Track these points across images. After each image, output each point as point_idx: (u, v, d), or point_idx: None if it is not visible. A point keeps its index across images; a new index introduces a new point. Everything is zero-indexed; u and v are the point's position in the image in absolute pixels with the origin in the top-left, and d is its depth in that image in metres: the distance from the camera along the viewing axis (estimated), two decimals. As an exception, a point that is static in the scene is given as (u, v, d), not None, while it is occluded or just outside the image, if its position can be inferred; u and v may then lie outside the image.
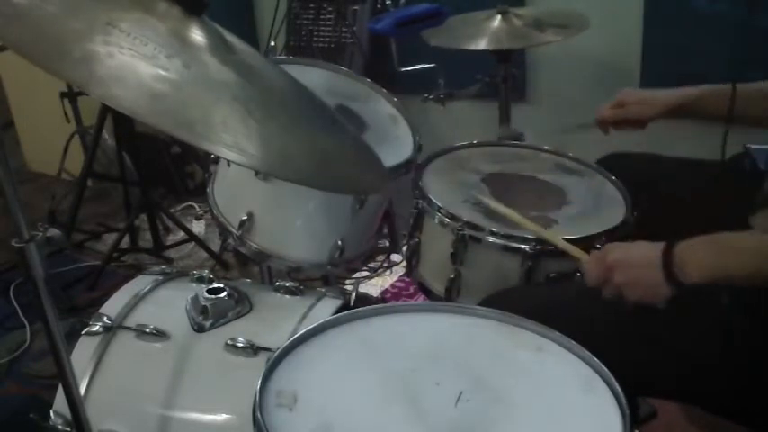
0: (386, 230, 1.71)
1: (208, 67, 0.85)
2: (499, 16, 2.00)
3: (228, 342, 1.13)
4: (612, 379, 0.86)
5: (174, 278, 1.34)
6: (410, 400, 0.84)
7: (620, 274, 1.05)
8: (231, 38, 0.96)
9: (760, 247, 0.98)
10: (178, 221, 2.75)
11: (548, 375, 0.90)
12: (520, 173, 1.50)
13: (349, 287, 1.97)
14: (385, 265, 1.99)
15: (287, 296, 1.27)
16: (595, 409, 0.83)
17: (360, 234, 1.50)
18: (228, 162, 1.44)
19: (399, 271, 2.33)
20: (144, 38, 0.79)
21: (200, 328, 1.18)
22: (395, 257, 1.95)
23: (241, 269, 2.18)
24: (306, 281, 1.52)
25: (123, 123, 2.57)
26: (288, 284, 1.28)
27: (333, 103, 1.54)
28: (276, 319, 1.21)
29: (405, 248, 1.49)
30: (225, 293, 1.20)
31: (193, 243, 2.72)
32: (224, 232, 1.46)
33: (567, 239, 1.20)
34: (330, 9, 2.65)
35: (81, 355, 1.15)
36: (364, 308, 1.01)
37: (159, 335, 1.17)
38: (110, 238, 2.76)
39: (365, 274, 2.00)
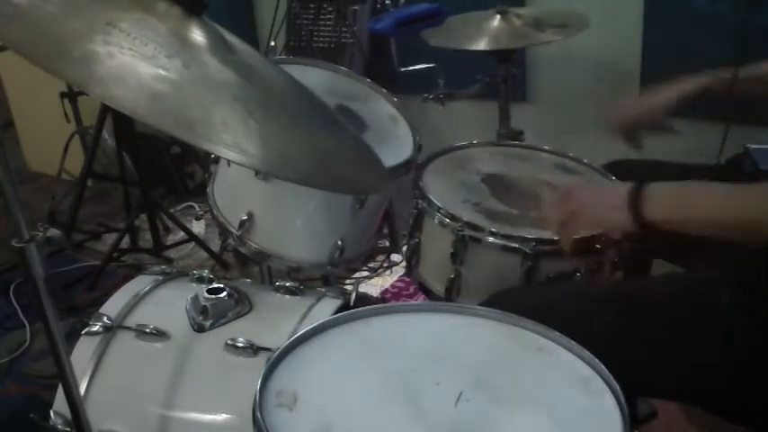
0: (386, 230, 1.71)
1: (208, 67, 0.86)
2: (499, 16, 2.00)
3: (228, 342, 1.13)
4: (612, 379, 0.86)
5: (174, 278, 1.34)
6: (410, 400, 0.84)
7: (580, 194, 1.10)
8: (231, 38, 0.96)
9: (729, 194, 1.00)
10: (178, 221, 2.75)
11: (548, 375, 0.89)
12: (520, 173, 1.50)
13: (349, 287, 1.97)
14: (385, 265, 1.99)
15: (287, 296, 1.27)
16: (595, 409, 0.83)
17: (360, 234, 1.50)
18: (228, 162, 1.44)
19: (399, 271, 2.33)
20: (144, 38, 0.79)
21: (200, 328, 1.18)
22: (395, 257, 1.95)
23: (241, 269, 2.18)
24: (306, 281, 1.52)
25: (123, 123, 2.57)
26: (288, 284, 1.28)
27: (333, 103, 1.54)
28: (276, 319, 1.21)
29: (405, 248, 1.49)
30: (225, 293, 1.20)
31: (193, 243, 2.72)
32: (224, 232, 1.46)
33: None
34: (330, 9, 2.65)
35: (81, 355, 1.15)
36: (364, 308, 1.01)
37: (159, 335, 1.17)
38: (110, 238, 2.76)
39: (365, 274, 2.00)
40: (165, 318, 1.20)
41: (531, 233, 1.25)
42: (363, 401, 0.84)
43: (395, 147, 1.51)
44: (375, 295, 2.31)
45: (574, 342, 0.92)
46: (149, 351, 1.17)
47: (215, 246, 2.65)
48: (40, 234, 0.86)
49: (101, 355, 1.16)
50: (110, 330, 1.19)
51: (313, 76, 1.60)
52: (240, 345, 1.12)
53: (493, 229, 1.27)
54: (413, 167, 1.47)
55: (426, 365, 0.90)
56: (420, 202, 1.38)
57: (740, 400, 1.03)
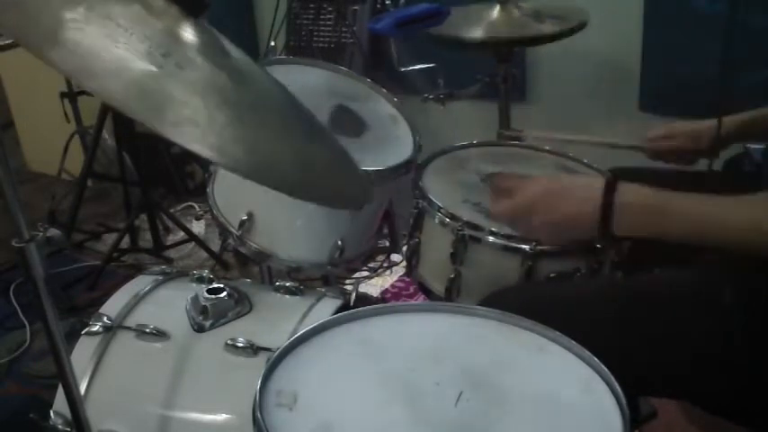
0: (386, 230, 1.71)
1: (201, 69, 0.85)
2: (498, 6, 2.01)
3: (228, 342, 1.13)
4: (612, 379, 0.86)
5: (174, 278, 1.34)
6: (410, 400, 0.84)
7: (540, 205, 1.05)
8: (227, 43, 0.96)
9: (708, 214, 0.97)
10: (178, 221, 2.75)
11: (548, 375, 0.89)
12: (520, 173, 1.49)
13: (349, 287, 1.97)
14: (385, 265, 1.99)
15: (287, 296, 1.27)
16: (595, 409, 0.83)
17: (360, 234, 1.50)
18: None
19: (399, 271, 2.33)
20: (140, 35, 0.79)
21: (200, 328, 1.18)
22: (395, 257, 1.95)
23: (241, 269, 2.18)
24: (306, 281, 1.52)
25: (123, 123, 2.57)
26: (288, 284, 1.28)
27: (333, 103, 1.54)
28: (276, 319, 1.21)
29: (405, 248, 1.49)
30: (225, 293, 1.20)
31: (193, 243, 2.72)
32: (224, 232, 1.46)
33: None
34: (330, 9, 2.65)
35: (81, 355, 1.15)
36: (364, 308, 1.01)
37: (159, 335, 1.17)
38: (110, 238, 2.76)
39: (365, 274, 2.00)
40: (165, 318, 1.20)
41: None
42: (363, 401, 0.84)
43: (395, 147, 1.50)
44: (375, 295, 2.31)
45: (574, 342, 0.92)
46: (149, 351, 1.17)
47: (215, 246, 2.65)
48: (40, 234, 0.86)
49: (101, 355, 1.16)
50: (110, 330, 1.19)
51: (313, 76, 1.60)
52: (240, 345, 1.12)
53: (493, 229, 1.26)
54: (413, 167, 1.46)
55: (426, 365, 0.90)
56: (420, 201, 1.38)
57: (741, 399, 1.03)
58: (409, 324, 0.99)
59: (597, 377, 0.88)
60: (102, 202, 3.11)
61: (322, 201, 1.19)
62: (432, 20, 1.78)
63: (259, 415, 0.80)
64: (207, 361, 1.15)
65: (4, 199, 0.83)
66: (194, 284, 1.30)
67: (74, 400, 0.96)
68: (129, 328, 1.19)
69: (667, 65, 2.24)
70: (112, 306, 1.23)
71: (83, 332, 1.19)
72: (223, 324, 1.19)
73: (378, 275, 2.18)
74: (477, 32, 1.94)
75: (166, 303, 1.26)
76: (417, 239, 1.41)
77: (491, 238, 1.26)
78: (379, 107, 1.62)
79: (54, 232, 0.87)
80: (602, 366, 0.88)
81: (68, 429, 1.13)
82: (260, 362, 1.01)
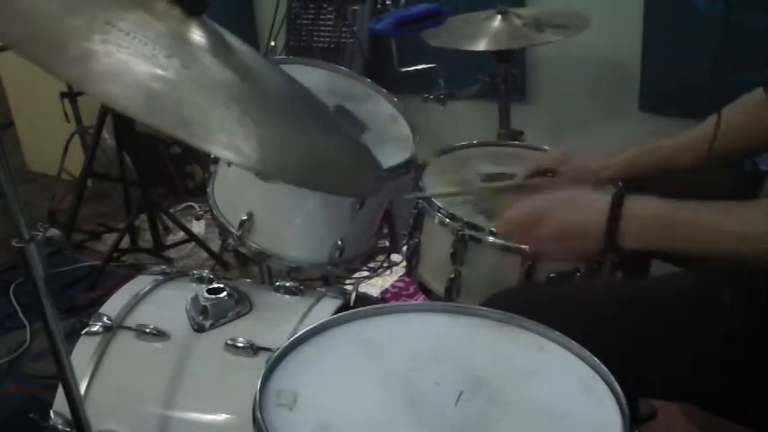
0: (386, 230, 1.71)
1: (207, 67, 0.85)
2: (499, 16, 2.00)
3: (228, 342, 1.13)
4: (612, 379, 0.86)
5: (174, 278, 1.34)
6: (410, 400, 0.84)
7: (545, 226, 1.01)
8: (231, 38, 0.96)
9: (712, 231, 0.94)
10: (178, 221, 2.75)
11: (548, 375, 0.89)
12: (519, 173, 1.49)
13: (349, 287, 1.97)
14: (385, 265, 1.99)
15: (287, 296, 1.27)
16: (595, 409, 0.83)
17: (360, 234, 1.50)
18: (228, 162, 1.44)
19: (399, 271, 2.33)
20: (143, 37, 0.79)
21: (200, 328, 1.18)
22: (395, 257, 1.95)
23: (241, 269, 2.18)
24: (306, 281, 1.52)
25: (123, 123, 2.57)
26: (288, 284, 1.28)
27: (333, 103, 1.54)
28: (276, 319, 1.21)
29: (405, 248, 1.49)
30: (225, 293, 1.20)
31: (193, 243, 2.72)
32: (224, 232, 1.46)
33: None
34: (330, 9, 2.65)
35: (81, 355, 1.15)
36: (364, 308, 1.01)
37: (159, 335, 1.17)
38: (110, 238, 2.76)
39: (365, 274, 2.00)
40: (165, 318, 1.20)
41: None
42: (363, 401, 0.84)
43: (395, 147, 1.50)
44: (375, 295, 2.31)
45: (574, 342, 0.92)
46: (149, 351, 1.17)
47: (215, 246, 2.65)
48: (40, 234, 0.86)
49: (101, 355, 1.16)
50: (110, 330, 1.19)
51: (313, 76, 1.60)
52: (240, 345, 1.12)
53: (493, 229, 1.26)
54: (413, 167, 1.47)
55: (426, 365, 0.90)
56: (420, 201, 1.38)
57: (741, 399, 1.03)
58: (409, 324, 0.99)
59: (597, 377, 0.88)
60: (102, 202, 3.11)
61: (336, 192, 1.20)
62: (432, 20, 1.78)
63: (259, 415, 0.80)
64: (207, 361, 1.15)
65: (4, 199, 0.83)
66: (194, 284, 1.30)
67: (74, 400, 0.96)
68: (129, 328, 1.19)
69: (667, 65, 2.24)
70: (112, 306, 1.23)
71: (83, 332, 1.19)
72: (223, 324, 1.19)
73: (378, 275, 2.18)
74: (479, 45, 1.93)
75: (166, 303, 1.26)
76: (417, 239, 1.41)
77: (491, 238, 1.26)
78: (379, 107, 1.62)
79: (54, 232, 0.87)
80: (602, 366, 0.88)
81: (68, 429, 1.13)
82: (260, 362, 1.01)
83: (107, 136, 2.85)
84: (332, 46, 2.66)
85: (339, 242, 1.42)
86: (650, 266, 1.41)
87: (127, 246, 2.70)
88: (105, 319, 1.20)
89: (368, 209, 1.45)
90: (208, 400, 1.13)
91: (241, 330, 1.16)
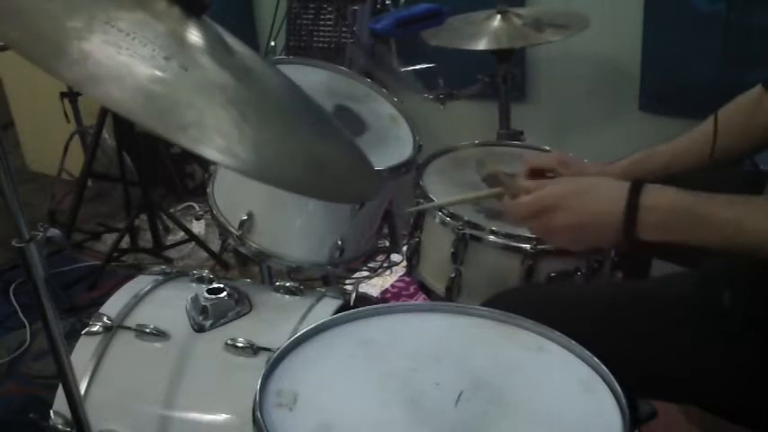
0: (386, 230, 1.71)
1: (206, 69, 0.85)
2: (499, 16, 2.00)
3: (228, 342, 1.13)
4: (612, 379, 0.86)
5: (174, 278, 1.33)
6: (410, 400, 0.84)
7: (564, 214, 0.98)
8: (231, 40, 0.96)
9: (734, 225, 0.92)
10: (178, 221, 2.75)
11: (548, 375, 0.89)
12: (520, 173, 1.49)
13: (349, 287, 1.97)
14: (385, 265, 1.99)
15: (287, 296, 1.27)
16: (595, 409, 0.83)
17: (360, 234, 1.50)
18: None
19: (399, 271, 2.33)
20: (143, 38, 0.79)
21: (200, 328, 1.18)
22: (395, 257, 1.96)
23: (241, 269, 2.18)
24: (306, 281, 1.52)
25: (123, 123, 2.57)
26: (288, 284, 1.28)
27: (332, 103, 1.54)
28: (276, 319, 1.21)
29: (405, 248, 1.49)
30: (225, 293, 1.20)
31: (193, 243, 2.72)
32: (224, 232, 1.46)
33: None
34: (330, 9, 2.65)
35: (81, 355, 1.15)
36: (364, 308, 1.01)
37: (159, 335, 1.17)
38: (110, 238, 2.76)
39: (365, 274, 2.00)
40: (165, 318, 1.20)
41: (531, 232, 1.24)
42: (363, 401, 0.84)
43: (395, 147, 1.50)
44: (375, 295, 2.31)
45: (574, 342, 0.92)
46: (149, 351, 1.17)
47: (215, 246, 2.65)
48: (40, 234, 0.86)
49: (101, 355, 1.16)
50: (110, 330, 1.19)
51: (313, 77, 1.60)
52: (240, 345, 1.12)
53: (493, 228, 1.27)
54: (413, 167, 1.47)
55: (426, 365, 0.90)
56: (421, 201, 1.38)
57: (741, 400, 1.03)
58: (409, 324, 0.99)
59: (597, 377, 0.88)
60: (102, 202, 3.11)
61: (332, 198, 1.19)
62: (432, 20, 1.79)
63: (259, 415, 0.80)
64: (207, 361, 1.15)
65: (4, 199, 0.83)
66: (194, 284, 1.30)
67: (74, 400, 0.96)
68: (129, 328, 1.19)
69: (667, 65, 2.24)
70: (112, 306, 1.23)
71: (83, 332, 1.19)
72: (223, 324, 1.18)
73: (378, 275, 2.18)
74: (479, 44, 1.94)
75: (166, 303, 1.26)
76: (418, 239, 1.41)
77: (491, 238, 1.26)
78: (379, 107, 1.62)
79: (54, 232, 0.87)
80: (602, 366, 0.88)
81: (68, 429, 1.13)
82: (260, 362, 1.01)
83: (107, 136, 2.85)
84: (332, 46, 2.65)
85: (339, 242, 1.42)
86: (651, 267, 1.41)
87: (127, 246, 2.71)
88: (105, 319, 1.20)
89: (368, 209, 1.45)
90: (208, 400, 1.13)
91: (241, 330, 1.16)
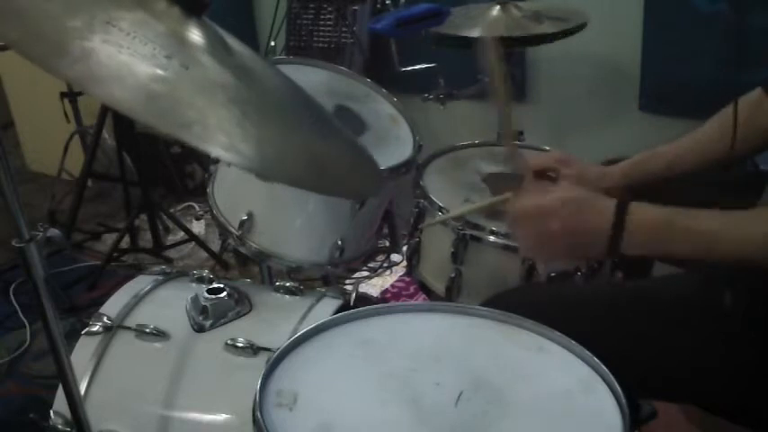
0: (386, 230, 1.71)
1: (206, 68, 0.85)
2: (498, 7, 2.01)
3: (228, 342, 1.13)
4: (612, 379, 0.86)
5: (173, 278, 1.33)
6: (410, 400, 0.84)
7: (556, 222, 0.99)
8: (231, 39, 0.96)
9: (717, 236, 0.94)
10: (178, 221, 2.75)
11: (548, 375, 0.89)
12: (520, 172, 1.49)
13: (349, 287, 1.97)
14: (385, 265, 1.99)
15: (287, 296, 1.27)
16: (595, 409, 0.83)
17: (360, 234, 1.50)
18: (228, 163, 1.44)
19: (399, 271, 2.33)
20: (143, 37, 0.79)
21: (200, 328, 1.18)
22: (395, 257, 1.95)
23: (241, 269, 2.18)
24: (306, 281, 1.52)
25: (123, 123, 2.57)
26: (288, 284, 1.28)
27: (332, 103, 1.54)
28: (276, 319, 1.21)
29: (405, 248, 1.49)
30: (225, 293, 1.20)
31: (193, 243, 2.72)
32: (224, 232, 1.46)
33: None
34: (330, 9, 2.65)
35: (81, 355, 1.15)
36: (364, 308, 1.01)
37: (159, 335, 1.17)
38: (110, 238, 2.76)
39: (365, 274, 2.00)
40: (165, 318, 1.20)
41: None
42: (363, 401, 0.84)
43: (395, 147, 1.50)
44: (375, 295, 2.31)
45: (574, 342, 0.92)
46: (149, 351, 1.17)
47: (215, 246, 2.65)
48: (40, 234, 0.86)
49: (101, 355, 1.16)
50: (110, 330, 1.19)
51: (313, 77, 1.60)
52: (240, 345, 1.12)
53: (493, 229, 1.27)
54: (413, 167, 1.47)
55: (426, 365, 0.90)
56: (421, 201, 1.38)
57: (741, 400, 1.03)
58: (409, 324, 0.99)
59: (597, 377, 0.88)
60: (102, 202, 3.11)
61: (335, 193, 1.19)
62: (432, 20, 1.79)
63: (259, 415, 0.80)
64: (207, 361, 1.15)
65: (4, 199, 0.83)
66: (194, 284, 1.30)
67: (74, 400, 0.96)
68: (129, 328, 1.19)
69: (667, 65, 2.24)
70: (112, 306, 1.23)
71: (83, 332, 1.19)
72: (223, 324, 1.18)
73: (378, 275, 2.18)
74: (476, 32, 1.94)
75: (166, 303, 1.26)
76: (418, 239, 1.41)
77: (492, 238, 1.26)
78: (379, 107, 1.62)
79: (54, 232, 0.87)
80: (602, 366, 0.88)
81: (68, 429, 1.13)
82: (260, 362, 1.01)
83: (107, 136, 2.85)
84: (332, 46, 2.66)
85: (339, 242, 1.42)
86: (652, 267, 1.41)
87: (127, 246, 2.70)
88: (105, 319, 1.20)
89: (368, 209, 1.45)
90: (208, 400, 1.13)
91: (241, 330, 1.16)
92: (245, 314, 1.21)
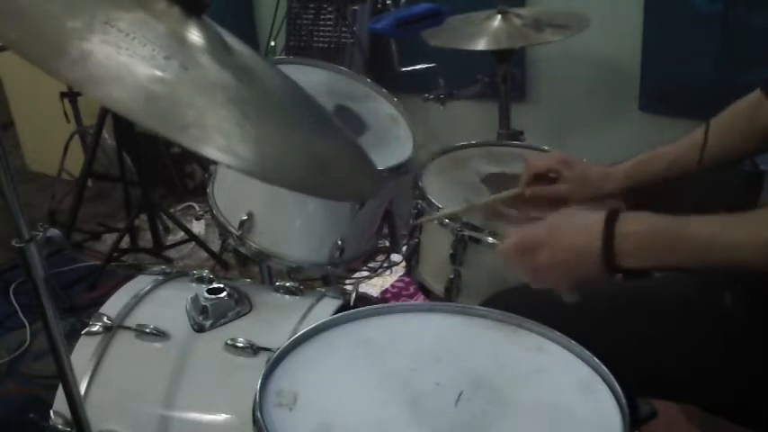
0: (386, 230, 1.71)
1: (206, 69, 0.85)
2: (499, 16, 2.01)
3: (228, 342, 1.13)
4: (612, 379, 0.86)
5: (174, 278, 1.34)
6: (410, 400, 0.84)
7: (545, 252, 0.97)
8: (231, 39, 0.96)
9: (710, 242, 0.92)
10: (178, 221, 2.75)
11: (548, 375, 0.89)
12: (520, 173, 1.49)
13: (349, 287, 1.97)
14: (385, 265, 1.99)
15: (287, 296, 1.27)
16: (595, 409, 0.83)
17: (360, 234, 1.50)
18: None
19: (399, 271, 2.33)
20: (143, 38, 0.79)
21: (200, 328, 1.18)
22: (395, 257, 1.95)
23: (241, 269, 2.18)
24: (306, 281, 1.52)
25: (123, 123, 2.57)
26: (288, 284, 1.28)
27: (332, 103, 1.54)
28: (276, 319, 1.21)
29: (405, 248, 1.49)
30: (225, 293, 1.20)
31: (193, 243, 2.72)
32: (224, 232, 1.46)
33: None
34: (330, 9, 2.65)
35: (81, 355, 1.15)
36: (364, 308, 1.01)
37: (159, 335, 1.17)
38: (110, 238, 2.76)
39: (365, 274, 2.00)
40: (165, 318, 1.20)
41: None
42: (363, 401, 0.84)
43: (395, 147, 1.50)
44: (375, 295, 2.31)
45: (574, 342, 0.92)
46: (149, 351, 1.17)
47: (215, 246, 2.65)
48: (40, 234, 0.86)
49: (101, 355, 1.16)
50: (110, 330, 1.19)
51: (313, 77, 1.60)
52: (240, 345, 1.12)
53: (492, 230, 1.26)
54: (413, 168, 1.46)
55: (426, 365, 0.90)
56: (420, 202, 1.38)
57: (741, 400, 1.03)
58: (409, 324, 0.99)
59: (597, 377, 0.88)
60: (102, 202, 3.11)
61: (334, 196, 1.19)
62: (432, 20, 1.79)
63: (259, 415, 0.80)
64: (207, 361, 1.15)
65: (4, 199, 0.83)
66: (194, 284, 1.30)
67: (74, 400, 0.96)
68: (129, 328, 1.19)
69: (667, 65, 2.24)
70: (112, 306, 1.23)
71: (83, 332, 1.19)
72: (223, 324, 1.19)
73: (378, 275, 2.18)
74: (479, 44, 1.94)
75: (166, 303, 1.26)
76: (417, 239, 1.41)
77: (491, 239, 1.26)
78: (379, 107, 1.61)
79: (54, 232, 0.87)
80: (602, 366, 0.88)
81: (68, 429, 1.13)
82: (260, 362, 1.01)
83: (107, 136, 2.85)
84: (332, 46, 2.66)
85: (339, 242, 1.42)
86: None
87: (127, 246, 2.71)
88: (105, 319, 1.20)
89: (368, 209, 1.45)
90: (208, 400, 1.13)
91: (241, 330, 1.16)
92: (245, 314, 1.21)
